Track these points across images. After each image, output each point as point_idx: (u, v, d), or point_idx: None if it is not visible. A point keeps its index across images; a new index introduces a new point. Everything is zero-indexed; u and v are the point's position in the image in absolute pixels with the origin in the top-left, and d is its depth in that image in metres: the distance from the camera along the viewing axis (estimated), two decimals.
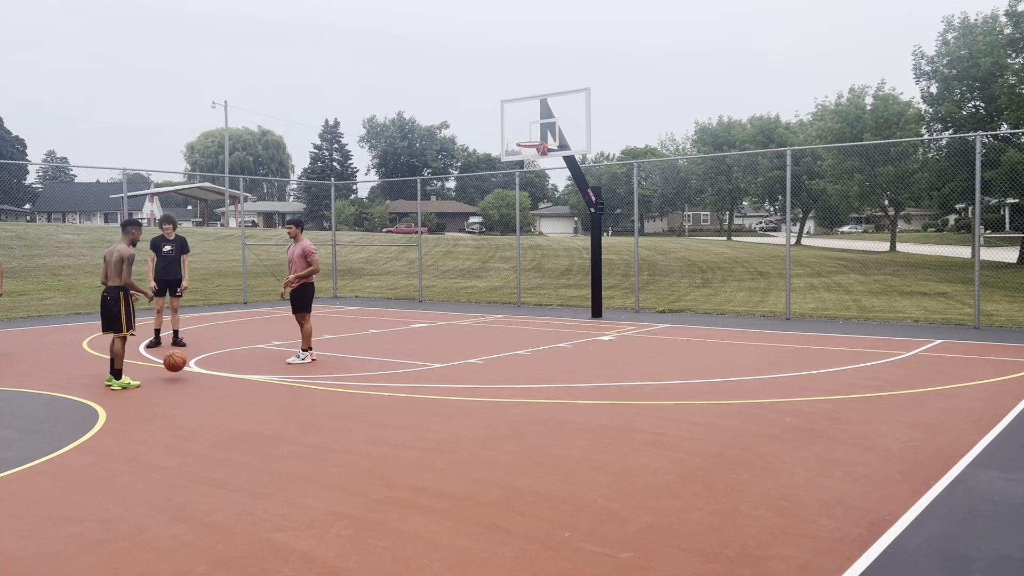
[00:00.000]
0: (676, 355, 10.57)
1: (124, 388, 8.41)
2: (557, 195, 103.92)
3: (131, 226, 8.64)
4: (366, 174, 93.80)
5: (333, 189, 23.53)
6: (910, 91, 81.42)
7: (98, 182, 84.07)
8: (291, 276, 10.15)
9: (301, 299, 10.20)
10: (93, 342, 12.28)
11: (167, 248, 11.72)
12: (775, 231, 77.65)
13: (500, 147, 16.20)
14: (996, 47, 26.54)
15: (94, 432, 6.46)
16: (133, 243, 8.68)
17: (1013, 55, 26.77)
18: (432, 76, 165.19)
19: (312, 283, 10.33)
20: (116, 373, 8.51)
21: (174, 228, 11.89)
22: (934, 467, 5.27)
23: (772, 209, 62.88)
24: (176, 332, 11.65)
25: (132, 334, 8.69)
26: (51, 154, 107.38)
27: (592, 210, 15.96)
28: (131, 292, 8.65)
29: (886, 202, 43.41)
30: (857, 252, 39.51)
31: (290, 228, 10.39)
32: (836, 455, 5.57)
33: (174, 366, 8.96)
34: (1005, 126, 26.35)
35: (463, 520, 4.36)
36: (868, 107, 40.04)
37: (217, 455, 5.76)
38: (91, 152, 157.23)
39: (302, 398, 7.86)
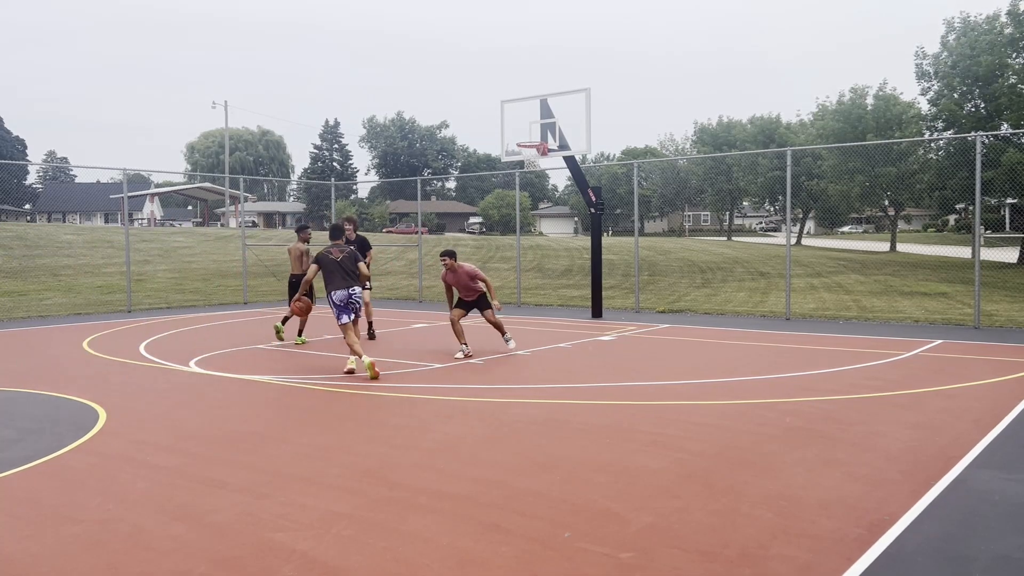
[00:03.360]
0: (676, 355, 10.57)
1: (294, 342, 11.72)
2: (557, 195, 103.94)
3: (304, 229, 12.01)
4: (366, 174, 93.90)
5: (333, 189, 23.55)
6: (911, 92, 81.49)
7: (98, 182, 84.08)
8: (493, 309, 10.84)
9: (484, 302, 10.79)
10: (93, 342, 12.29)
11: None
12: (775, 231, 77.62)
13: (500, 147, 16.19)
14: (997, 46, 26.55)
15: (94, 432, 6.46)
16: (306, 242, 11.89)
17: (1014, 55, 26.80)
18: (432, 76, 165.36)
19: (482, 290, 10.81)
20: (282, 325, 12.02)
21: (355, 229, 12.44)
22: (934, 467, 5.27)
23: (772, 209, 62.88)
24: (370, 324, 12.62)
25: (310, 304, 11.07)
26: (51, 154, 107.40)
27: (592, 210, 15.95)
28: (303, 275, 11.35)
29: (886, 202, 43.42)
30: (857, 252, 39.51)
31: (445, 260, 10.62)
32: (836, 455, 5.57)
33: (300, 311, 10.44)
34: (1006, 126, 26.37)
35: (463, 520, 4.36)
36: (869, 107, 40.04)
37: (217, 455, 5.76)
38: (91, 152, 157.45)
39: (302, 398, 7.86)
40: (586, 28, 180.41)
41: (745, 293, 20.81)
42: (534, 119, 15.49)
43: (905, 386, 8.07)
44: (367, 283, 11.26)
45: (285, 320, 12.19)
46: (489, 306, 10.86)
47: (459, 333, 10.53)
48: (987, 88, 27.01)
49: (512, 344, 10.96)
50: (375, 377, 8.71)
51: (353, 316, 9.38)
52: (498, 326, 11.01)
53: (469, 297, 10.73)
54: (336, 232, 9.93)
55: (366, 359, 8.84)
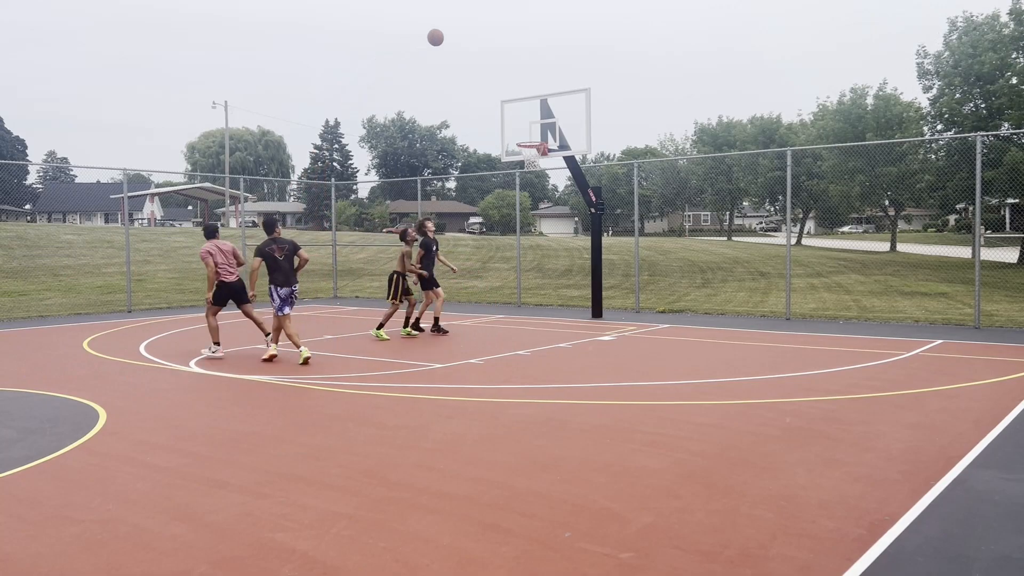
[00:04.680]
0: (676, 355, 10.56)
1: (378, 339, 12.24)
2: (557, 195, 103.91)
3: (407, 233, 12.81)
4: (366, 174, 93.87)
5: (333, 189, 23.53)
6: (911, 91, 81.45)
7: (98, 182, 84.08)
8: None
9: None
10: (93, 342, 12.28)
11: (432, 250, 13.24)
12: (775, 231, 77.60)
13: (500, 147, 16.19)
14: (1000, 44, 26.56)
15: (94, 432, 6.46)
16: (408, 242, 12.70)
17: (1015, 55, 26.81)
18: (432, 76, 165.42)
19: (220, 280, 10.66)
20: (379, 325, 12.51)
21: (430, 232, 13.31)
22: (934, 467, 5.27)
23: (772, 209, 62.87)
24: (436, 319, 13.02)
25: (396, 303, 12.55)
26: (51, 154, 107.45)
27: (592, 210, 15.95)
28: (404, 273, 12.55)
29: (886, 202, 43.43)
30: (857, 252, 39.50)
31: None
32: (836, 455, 5.56)
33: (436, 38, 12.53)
34: (1006, 125, 26.38)
35: (463, 520, 4.36)
36: (869, 107, 40.03)
37: (217, 455, 5.76)
38: (91, 152, 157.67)
39: (302, 398, 7.86)
40: (586, 28, 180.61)
41: (745, 293, 20.80)
42: (534, 119, 15.47)
43: (905, 386, 8.07)
44: (410, 293, 12.95)
45: (382, 325, 12.62)
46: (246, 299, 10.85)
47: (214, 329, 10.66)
48: (988, 87, 27.01)
49: (272, 349, 10.28)
50: (305, 363, 9.79)
51: (289, 310, 10.36)
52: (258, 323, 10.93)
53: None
54: (270, 227, 10.44)
55: (304, 350, 9.88)
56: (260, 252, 10.24)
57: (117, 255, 29.54)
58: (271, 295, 10.32)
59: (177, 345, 11.88)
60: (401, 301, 12.53)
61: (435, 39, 12.27)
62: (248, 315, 10.90)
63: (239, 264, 10.85)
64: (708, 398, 7.62)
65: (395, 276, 12.59)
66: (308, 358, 9.81)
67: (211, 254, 10.48)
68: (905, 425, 6.42)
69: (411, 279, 12.70)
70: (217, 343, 10.56)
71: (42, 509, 4.62)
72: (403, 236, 12.86)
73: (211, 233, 10.84)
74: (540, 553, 3.90)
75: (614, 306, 17.83)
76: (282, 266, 10.21)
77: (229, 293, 10.69)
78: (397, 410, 7.23)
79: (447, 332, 13.02)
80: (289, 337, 10.15)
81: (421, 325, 13.13)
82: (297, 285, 10.44)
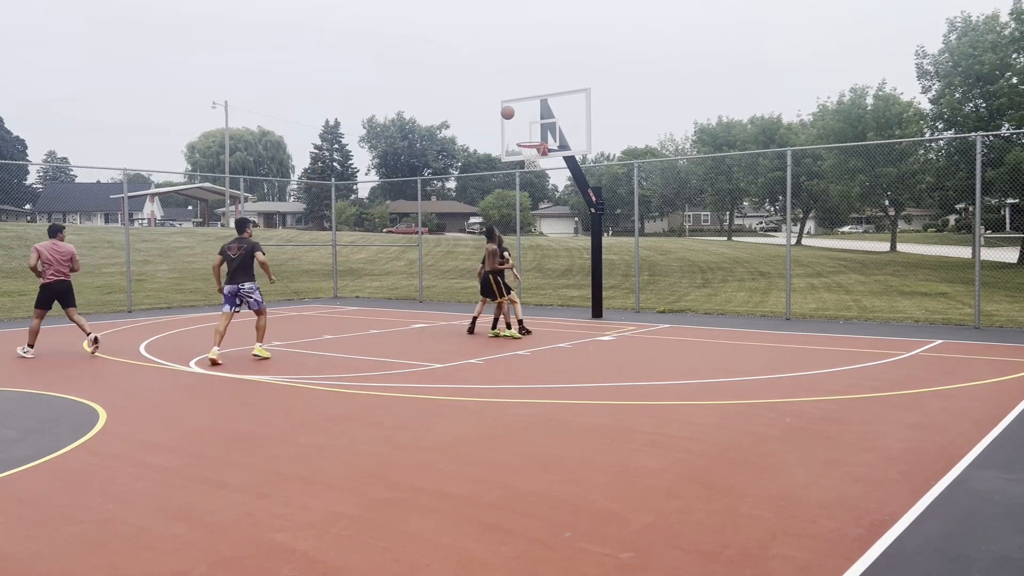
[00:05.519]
0: (676, 355, 10.56)
1: (511, 337, 12.26)
2: (557, 195, 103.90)
3: (494, 231, 12.77)
4: (366, 174, 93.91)
5: (333, 189, 23.53)
6: (911, 91, 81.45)
7: (99, 182, 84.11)
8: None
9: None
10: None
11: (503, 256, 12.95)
12: (775, 231, 77.59)
13: (500, 147, 16.19)
14: (1000, 45, 26.58)
15: (94, 432, 6.46)
16: (495, 239, 12.65)
17: (1015, 55, 26.82)
18: (432, 76, 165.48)
19: (42, 282, 10.93)
20: (507, 325, 12.51)
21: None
22: (934, 467, 5.27)
23: (772, 209, 62.86)
24: (520, 321, 12.76)
25: (507, 300, 12.57)
26: (51, 154, 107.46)
27: (592, 210, 15.95)
28: (501, 273, 12.65)
29: (886, 202, 43.43)
30: (857, 252, 39.50)
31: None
32: (836, 455, 5.56)
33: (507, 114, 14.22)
34: (1007, 126, 26.39)
35: (463, 520, 4.36)
36: (869, 107, 40.03)
37: (217, 455, 5.76)
38: (91, 152, 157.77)
39: (302, 398, 7.86)
40: (586, 28, 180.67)
41: (745, 293, 20.80)
42: (534, 119, 15.46)
43: (905, 386, 8.07)
44: (510, 290, 12.82)
45: (495, 322, 12.72)
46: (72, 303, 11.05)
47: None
48: (989, 87, 27.02)
49: (91, 349, 10.83)
50: (214, 363, 9.81)
51: (239, 309, 10.41)
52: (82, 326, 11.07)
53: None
54: (240, 227, 10.67)
55: (215, 351, 9.87)
56: (220, 250, 10.48)
57: (117, 255, 29.54)
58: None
59: (177, 345, 11.89)
60: (506, 296, 12.55)
61: (507, 115, 14.16)
62: (71, 318, 11.08)
63: (73, 270, 11.04)
64: (708, 398, 7.62)
65: (490, 276, 12.62)
66: (215, 360, 9.78)
67: (37, 253, 10.75)
68: (905, 425, 6.42)
69: (509, 275, 12.81)
70: (31, 345, 10.78)
71: (42, 509, 4.62)
72: (490, 234, 12.77)
73: (52, 233, 11.11)
74: (540, 553, 3.90)
75: (614, 306, 17.83)
76: (232, 264, 10.33)
77: (52, 294, 10.89)
78: (397, 410, 7.23)
79: (531, 332, 12.86)
80: (216, 331, 10.17)
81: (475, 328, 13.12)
82: (247, 285, 10.35)
